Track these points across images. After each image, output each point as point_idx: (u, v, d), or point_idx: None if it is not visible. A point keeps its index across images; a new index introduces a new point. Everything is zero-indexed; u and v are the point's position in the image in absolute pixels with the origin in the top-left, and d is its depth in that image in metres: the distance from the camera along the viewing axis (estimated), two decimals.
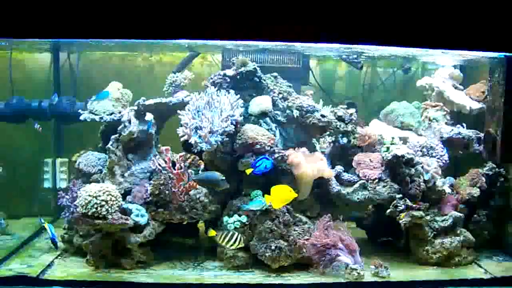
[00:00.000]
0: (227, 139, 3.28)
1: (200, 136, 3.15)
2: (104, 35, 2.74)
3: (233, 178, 3.42)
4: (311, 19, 2.64)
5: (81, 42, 3.60)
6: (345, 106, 3.83)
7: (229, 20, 2.62)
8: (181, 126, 3.23)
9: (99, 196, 3.09)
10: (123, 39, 3.13)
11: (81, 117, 3.67)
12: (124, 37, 2.76)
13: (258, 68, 3.62)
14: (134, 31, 2.66)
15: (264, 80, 3.69)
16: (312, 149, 3.67)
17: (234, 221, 3.27)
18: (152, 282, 3.07)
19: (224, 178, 3.16)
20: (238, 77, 3.59)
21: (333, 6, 2.63)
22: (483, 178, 3.65)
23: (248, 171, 3.23)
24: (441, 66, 4.31)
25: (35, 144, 4.38)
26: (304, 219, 3.39)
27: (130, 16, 2.62)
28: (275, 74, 3.83)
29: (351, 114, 3.73)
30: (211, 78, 3.61)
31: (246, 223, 3.28)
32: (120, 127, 3.49)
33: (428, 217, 3.41)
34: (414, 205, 3.34)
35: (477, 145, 3.80)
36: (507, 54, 3.12)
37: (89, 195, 3.09)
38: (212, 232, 3.10)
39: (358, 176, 3.53)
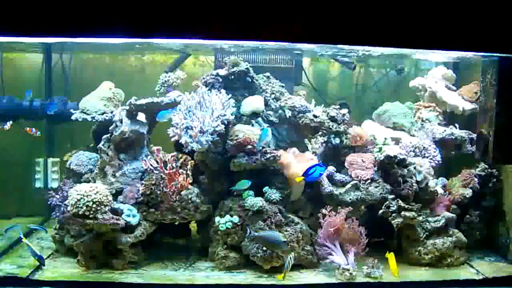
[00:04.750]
0: (218, 139, 3.26)
1: (190, 136, 3.14)
2: (98, 35, 2.72)
3: (225, 179, 3.42)
4: (298, 18, 2.62)
5: (72, 42, 3.57)
6: (338, 107, 3.83)
7: (222, 20, 2.60)
8: (172, 126, 3.22)
9: (89, 195, 3.07)
10: (118, 39, 3.10)
11: (73, 117, 3.66)
12: (118, 36, 2.74)
13: (250, 68, 3.62)
14: (127, 31, 2.64)
15: (257, 80, 3.69)
16: (305, 150, 3.67)
17: (226, 222, 3.25)
18: (143, 283, 3.05)
19: (286, 240, 3.11)
20: (231, 77, 3.58)
21: (322, 6, 2.61)
22: (476, 179, 3.66)
23: (299, 179, 3.25)
24: (433, 63, 4.32)
25: (26, 144, 4.35)
26: (296, 219, 3.38)
27: (123, 15, 2.60)
28: (268, 74, 3.84)
29: (343, 115, 3.73)
30: (204, 78, 3.61)
31: (238, 223, 3.27)
32: (112, 126, 3.47)
33: (420, 218, 3.40)
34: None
35: (470, 145, 3.82)
36: (500, 55, 3.12)
37: (79, 195, 3.07)
38: (279, 277, 3.13)
39: (350, 176, 3.52)
